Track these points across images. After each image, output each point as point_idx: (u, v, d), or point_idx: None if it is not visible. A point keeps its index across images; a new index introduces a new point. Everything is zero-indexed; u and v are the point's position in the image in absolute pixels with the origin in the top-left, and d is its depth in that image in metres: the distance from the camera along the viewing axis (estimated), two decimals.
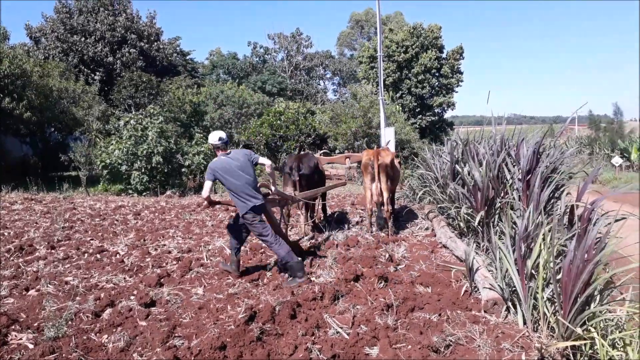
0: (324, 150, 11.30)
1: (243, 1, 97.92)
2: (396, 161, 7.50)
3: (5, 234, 7.44)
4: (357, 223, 7.89)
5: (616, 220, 3.91)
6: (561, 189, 5.52)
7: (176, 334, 3.75)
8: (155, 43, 30.26)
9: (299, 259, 5.03)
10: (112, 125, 17.42)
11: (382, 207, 6.84)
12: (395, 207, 8.51)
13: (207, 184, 4.89)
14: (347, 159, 8.12)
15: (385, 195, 6.67)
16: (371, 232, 7.06)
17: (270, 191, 5.54)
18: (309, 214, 7.22)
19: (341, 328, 3.78)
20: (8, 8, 47.27)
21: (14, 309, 4.30)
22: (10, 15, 55.97)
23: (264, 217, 5.14)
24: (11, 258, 6.05)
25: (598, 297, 3.43)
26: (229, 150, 5.09)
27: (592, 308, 3.27)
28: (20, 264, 5.74)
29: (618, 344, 3.30)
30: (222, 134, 5.13)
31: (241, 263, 5.44)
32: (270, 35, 43.61)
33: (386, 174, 6.66)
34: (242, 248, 6.25)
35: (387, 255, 5.68)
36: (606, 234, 3.54)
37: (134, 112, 15.42)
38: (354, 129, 18.12)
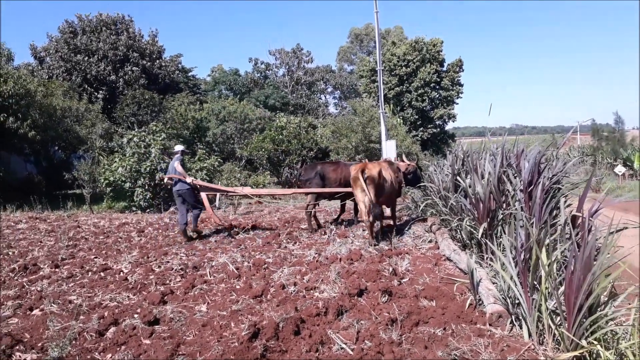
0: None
1: (244, 19, 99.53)
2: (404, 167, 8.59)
3: (10, 253, 7.48)
4: (360, 236, 7.87)
5: (618, 230, 3.89)
6: (563, 199, 5.50)
7: (180, 352, 3.74)
8: (157, 61, 30.63)
9: (184, 226, 8.21)
10: (115, 142, 17.54)
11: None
12: (398, 222, 8.52)
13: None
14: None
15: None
16: (373, 244, 7.07)
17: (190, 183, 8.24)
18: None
19: (345, 344, 3.76)
20: (13, 29, 48.05)
21: (18, 329, 4.31)
22: (16, 36, 56.91)
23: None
24: (15, 277, 6.08)
25: (602, 308, 3.41)
26: (175, 156, 8.36)
27: (595, 319, 3.24)
28: (25, 284, 5.76)
29: (624, 356, 3.26)
30: (175, 147, 8.62)
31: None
32: (271, 51, 44.10)
33: (374, 186, 6.87)
34: (246, 264, 6.35)
35: (390, 269, 5.66)
36: (606, 243, 3.51)
37: (136, 130, 15.54)
38: (354, 143, 18.23)
